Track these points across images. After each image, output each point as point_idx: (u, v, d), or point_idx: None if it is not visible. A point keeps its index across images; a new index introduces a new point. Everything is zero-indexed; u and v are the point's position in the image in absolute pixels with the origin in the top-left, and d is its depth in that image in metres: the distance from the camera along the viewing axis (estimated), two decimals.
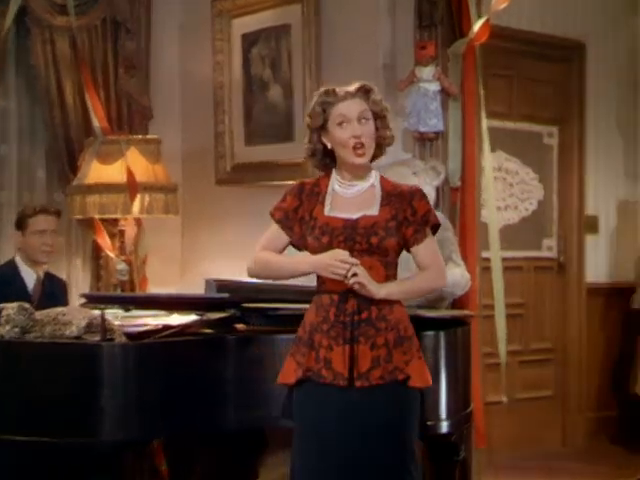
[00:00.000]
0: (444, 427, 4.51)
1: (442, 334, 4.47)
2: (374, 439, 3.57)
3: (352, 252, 3.58)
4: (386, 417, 3.59)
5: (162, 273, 6.55)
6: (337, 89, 3.67)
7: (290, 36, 5.97)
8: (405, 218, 3.67)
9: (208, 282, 4.65)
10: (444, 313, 4.93)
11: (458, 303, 5.27)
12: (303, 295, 4.84)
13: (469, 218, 5.44)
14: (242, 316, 4.40)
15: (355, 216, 3.63)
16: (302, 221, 3.70)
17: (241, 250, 6.42)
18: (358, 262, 3.53)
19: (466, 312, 5.07)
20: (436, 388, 4.33)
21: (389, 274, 3.64)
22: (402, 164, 5.32)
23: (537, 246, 7.13)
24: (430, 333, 4.39)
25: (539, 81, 7.03)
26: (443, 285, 3.92)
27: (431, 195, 5.29)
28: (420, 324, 3.94)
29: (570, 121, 7.18)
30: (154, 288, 6.36)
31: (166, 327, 4.09)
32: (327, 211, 3.66)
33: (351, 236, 3.60)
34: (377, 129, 3.67)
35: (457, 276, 5.14)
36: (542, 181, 7.13)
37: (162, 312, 4.47)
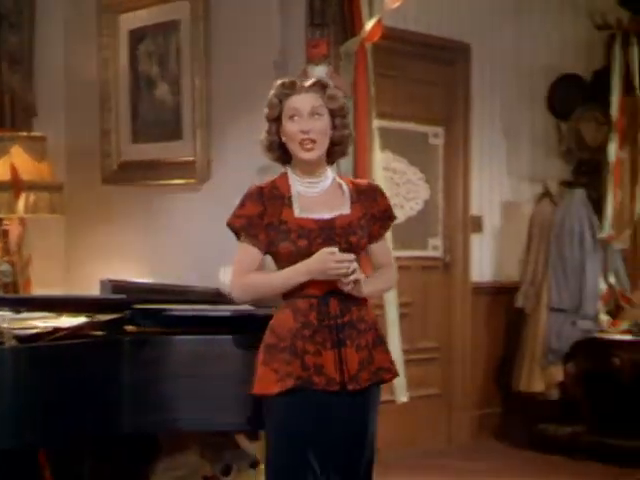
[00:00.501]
0: None
1: None
2: (366, 439, 3.58)
3: None
4: (372, 417, 3.60)
5: (46, 274, 6.39)
6: (297, 81, 3.59)
7: (179, 32, 5.91)
8: (372, 215, 3.62)
9: (103, 283, 4.54)
10: None
11: None
12: (197, 295, 4.81)
13: None
14: (132, 317, 4.30)
15: (328, 216, 3.55)
16: (269, 227, 3.54)
17: (128, 250, 6.38)
18: (353, 257, 3.45)
19: None
20: None
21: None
22: None
23: (423, 245, 7.18)
24: None
25: (425, 82, 7.07)
26: (394, 285, 3.95)
27: None
28: None
29: (455, 122, 7.24)
30: (38, 290, 6.21)
31: (57, 329, 3.98)
32: (298, 213, 3.54)
33: (329, 237, 3.51)
34: (335, 127, 3.57)
35: None
36: (428, 181, 7.17)
37: (51, 314, 4.34)
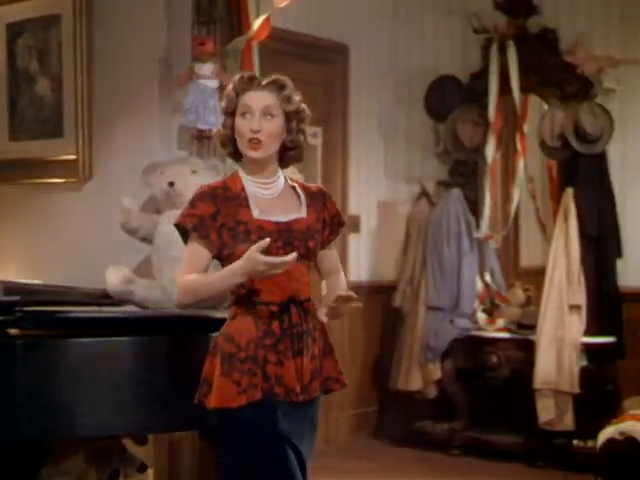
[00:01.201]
0: None
1: None
2: (310, 449, 3.50)
3: None
4: (313, 431, 3.53)
5: None
6: (256, 77, 3.49)
7: (60, 27, 5.74)
8: (323, 220, 3.54)
9: None
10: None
11: None
12: (83, 297, 4.69)
13: None
14: (20, 320, 4.16)
15: (285, 219, 3.42)
16: (223, 228, 3.38)
17: (8, 251, 6.19)
18: (286, 260, 3.24)
19: None
20: None
21: (309, 279, 3.49)
22: (181, 162, 5.22)
23: None
24: None
25: (303, 82, 6.86)
26: None
27: None
28: (205, 325, 3.90)
29: (334, 122, 7.27)
30: None
31: None
32: (257, 214, 3.40)
33: (289, 240, 3.39)
34: (289, 131, 3.45)
35: None
36: (307, 181, 7.12)
37: None
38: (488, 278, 7.33)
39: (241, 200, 3.43)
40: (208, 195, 3.44)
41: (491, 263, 7.39)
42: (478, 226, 7.21)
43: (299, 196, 3.52)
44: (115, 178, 5.53)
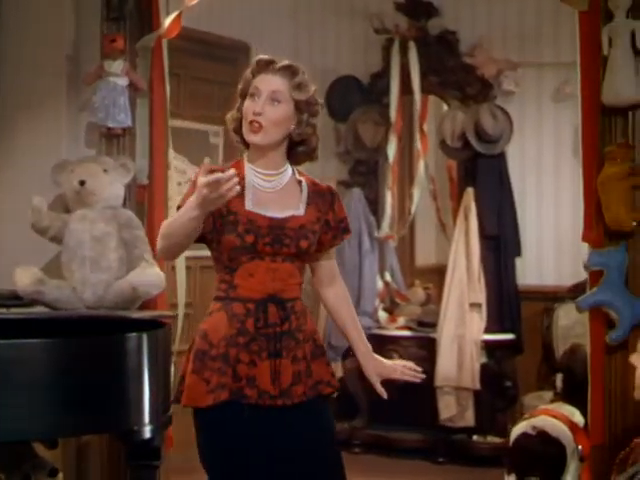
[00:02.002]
0: (147, 432, 4.36)
1: (145, 336, 4.31)
2: (306, 455, 3.27)
3: (277, 256, 3.24)
4: (316, 435, 3.31)
5: None
6: (274, 61, 3.34)
7: None
8: (326, 222, 3.38)
9: None
10: (146, 314, 4.84)
11: (147, 303, 5.20)
12: None
13: (157, 217, 5.34)
14: None
15: (281, 215, 3.28)
16: (217, 214, 3.21)
17: None
18: (233, 172, 3.01)
19: (166, 312, 5.01)
20: (140, 392, 4.18)
21: (302, 281, 3.33)
22: (92, 161, 5.16)
23: (203, 245, 7.08)
24: (134, 335, 4.24)
25: (206, 80, 7.03)
26: None
27: (121, 194, 5.18)
28: (117, 326, 3.89)
29: None
30: None
31: None
32: (249, 206, 3.26)
33: (279, 238, 3.24)
34: (298, 123, 3.28)
35: (153, 276, 5.08)
36: None
37: None
38: (388, 277, 7.39)
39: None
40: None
41: (391, 262, 7.46)
42: (379, 226, 7.27)
43: (302, 191, 3.36)
44: (21, 177, 5.42)
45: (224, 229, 3.25)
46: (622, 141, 4.29)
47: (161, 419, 4.48)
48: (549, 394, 6.15)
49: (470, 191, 6.80)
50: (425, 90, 7.11)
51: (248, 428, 3.24)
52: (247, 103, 3.27)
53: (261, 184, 3.31)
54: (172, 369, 4.85)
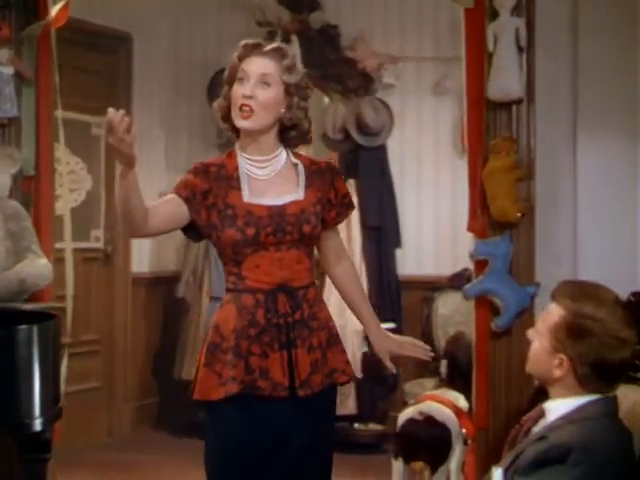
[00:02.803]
0: (38, 425, 4.33)
1: (36, 328, 4.29)
2: (313, 449, 3.22)
3: (282, 245, 3.17)
4: (325, 424, 3.29)
5: None
6: (262, 43, 3.25)
7: None
8: (328, 200, 3.30)
9: None
10: (37, 306, 4.79)
11: (34, 295, 5.15)
12: None
13: (44, 208, 5.28)
14: None
15: (280, 202, 3.20)
16: (213, 208, 3.17)
17: None
18: (123, 112, 2.97)
19: (55, 304, 4.97)
20: (31, 385, 4.16)
21: (312, 265, 3.25)
22: None
23: (85, 237, 7.07)
24: (24, 327, 4.21)
25: (87, 71, 6.97)
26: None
27: (7, 184, 5.11)
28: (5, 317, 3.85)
29: None
30: None
31: None
32: (247, 197, 3.18)
33: (280, 226, 3.16)
34: (289, 107, 3.22)
35: (41, 268, 5.01)
36: (90, 171, 7.09)
37: None
38: None
39: (233, 181, 3.23)
40: (201, 171, 3.23)
41: None
42: None
43: (299, 174, 3.28)
44: None
45: (223, 223, 3.19)
46: (506, 135, 4.42)
47: (51, 411, 4.47)
48: (430, 381, 6.31)
49: (352, 183, 6.88)
50: None
51: (260, 421, 3.17)
52: (236, 87, 3.20)
53: (255, 172, 3.25)
54: (64, 361, 4.85)
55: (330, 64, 7.09)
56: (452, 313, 6.62)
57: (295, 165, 3.30)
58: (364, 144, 6.93)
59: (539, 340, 2.91)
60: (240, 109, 3.18)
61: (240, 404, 3.16)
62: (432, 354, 3.43)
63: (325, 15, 7.18)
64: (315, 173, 3.30)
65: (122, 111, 2.98)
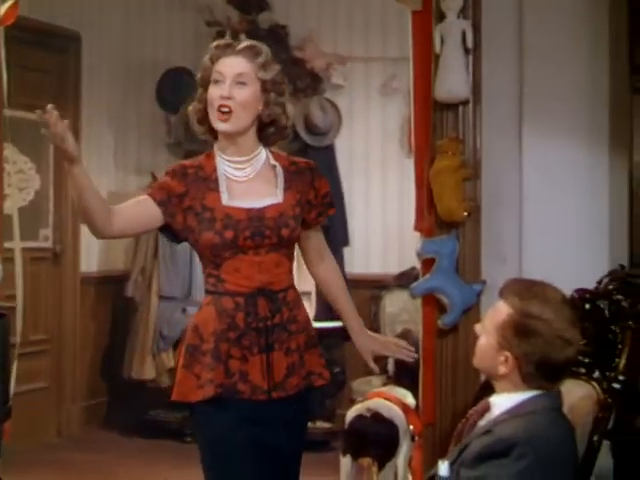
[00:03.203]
0: None
1: None
2: (288, 451, 3.23)
3: (260, 248, 3.13)
4: (299, 426, 3.30)
5: None
6: (233, 43, 3.20)
7: None
8: (307, 201, 3.25)
9: None
10: None
11: None
12: None
13: None
14: None
15: (259, 205, 3.15)
16: (189, 211, 3.12)
17: None
18: (51, 106, 2.89)
19: (4, 304, 4.95)
20: None
21: (291, 267, 3.23)
22: None
23: (34, 236, 7.05)
24: None
25: (36, 69, 6.95)
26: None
27: None
28: None
29: (66, 112, 7.13)
30: None
31: None
32: (225, 200, 3.13)
33: (259, 230, 3.12)
34: (266, 104, 3.17)
35: None
36: (39, 171, 7.07)
37: None
38: None
39: (211, 182, 3.17)
40: (179, 173, 3.19)
41: None
42: None
43: (277, 176, 3.23)
44: None
45: (201, 227, 3.15)
46: (453, 135, 4.47)
47: (0, 411, 4.48)
48: (377, 379, 6.36)
49: None
50: None
51: (240, 423, 3.13)
52: (212, 90, 3.16)
53: (234, 173, 3.20)
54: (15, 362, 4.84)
55: (279, 64, 7.10)
56: (399, 311, 6.68)
57: (273, 167, 3.24)
58: (312, 144, 6.98)
59: (486, 336, 2.95)
60: (218, 110, 3.14)
61: (220, 404, 3.12)
62: (415, 355, 3.42)
63: (274, 15, 7.22)
64: (294, 174, 3.25)
65: (50, 105, 2.91)
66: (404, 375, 5.50)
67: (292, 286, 3.26)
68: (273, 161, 3.26)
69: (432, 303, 4.58)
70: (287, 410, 3.20)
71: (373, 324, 6.85)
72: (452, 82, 4.42)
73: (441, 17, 4.49)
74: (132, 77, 7.68)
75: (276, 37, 7.10)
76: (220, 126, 3.16)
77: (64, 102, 7.14)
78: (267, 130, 3.26)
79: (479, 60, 4.48)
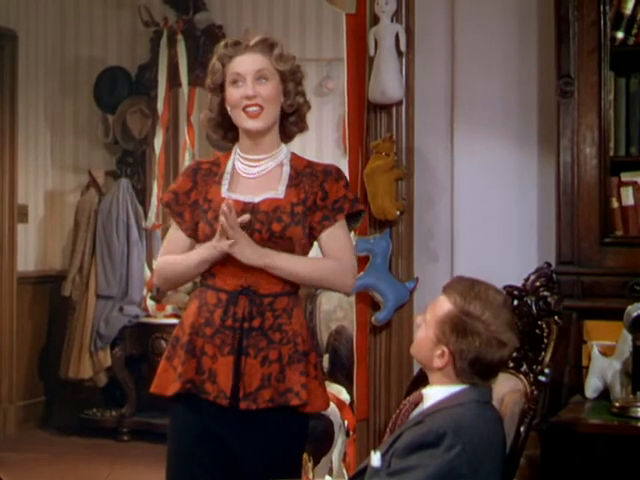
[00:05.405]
0: None
1: None
2: (258, 472, 3.06)
3: None
4: (280, 452, 3.10)
5: None
6: (241, 41, 3.14)
7: None
8: (314, 203, 3.13)
9: None
10: None
11: None
12: None
13: None
14: None
15: (257, 199, 3.07)
16: (195, 206, 3.08)
17: None
18: (230, 203, 2.92)
19: None
20: None
21: None
22: None
23: None
24: None
25: None
26: (345, 288, 3.24)
27: None
28: None
29: (2, 112, 7.16)
30: None
31: None
32: (224, 192, 3.09)
33: (249, 223, 3.02)
34: (286, 94, 3.15)
35: None
36: None
37: None
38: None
39: (218, 177, 3.16)
40: (191, 170, 3.20)
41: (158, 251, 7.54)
42: (146, 216, 7.35)
43: (282, 173, 3.17)
44: None
45: (199, 218, 3.13)
46: (387, 136, 4.54)
47: None
48: None
49: None
50: (192, 83, 7.23)
51: (202, 426, 3.06)
52: (231, 91, 3.10)
53: (244, 170, 3.17)
54: None
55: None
56: (334, 309, 6.74)
57: (282, 165, 3.18)
58: None
59: (425, 328, 2.99)
60: (245, 111, 3.09)
61: (189, 403, 3.07)
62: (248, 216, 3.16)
63: (210, 15, 7.26)
64: (305, 175, 3.17)
65: (229, 202, 2.98)
66: (338, 371, 5.56)
67: (288, 293, 3.13)
68: (285, 160, 3.19)
69: (366, 300, 4.63)
70: (260, 428, 3.06)
71: (309, 322, 6.91)
72: (386, 84, 4.48)
73: (375, 20, 4.55)
74: (69, 76, 7.67)
75: (212, 37, 7.13)
76: (251, 124, 3.10)
77: (0, 101, 7.13)
78: (288, 120, 3.22)
79: (412, 63, 4.54)
